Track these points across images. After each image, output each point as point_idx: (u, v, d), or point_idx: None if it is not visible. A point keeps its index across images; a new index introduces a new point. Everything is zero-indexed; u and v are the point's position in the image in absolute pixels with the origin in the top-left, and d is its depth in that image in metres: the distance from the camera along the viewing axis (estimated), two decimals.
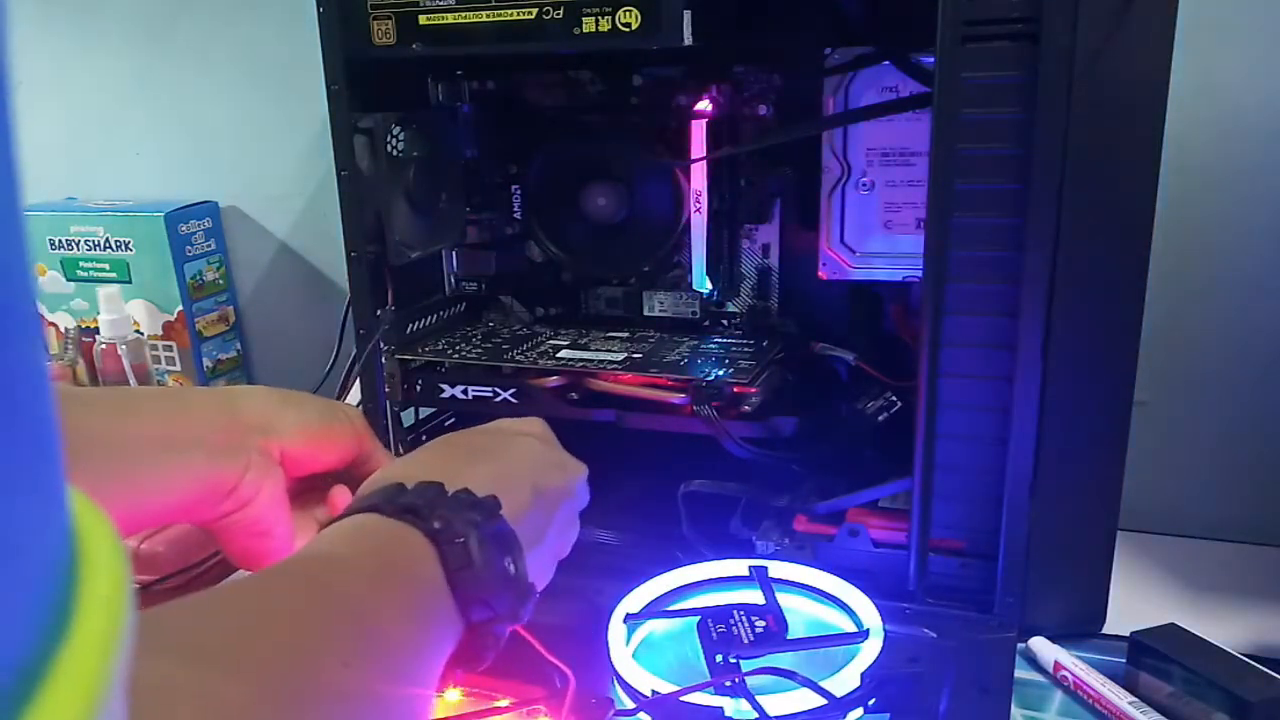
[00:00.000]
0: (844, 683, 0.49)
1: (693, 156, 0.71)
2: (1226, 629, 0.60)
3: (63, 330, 1.07)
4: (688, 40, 0.58)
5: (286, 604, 0.33)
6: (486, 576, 0.38)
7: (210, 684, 0.26)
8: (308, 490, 0.53)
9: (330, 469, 0.53)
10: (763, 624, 0.54)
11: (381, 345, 0.73)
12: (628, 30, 0.58)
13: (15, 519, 0.14)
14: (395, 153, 0.71)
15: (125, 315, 0.99)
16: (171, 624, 0.29)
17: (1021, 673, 0.59)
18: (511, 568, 0.40)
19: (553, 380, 0.69)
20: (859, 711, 0.50)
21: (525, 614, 0.41)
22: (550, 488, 0.47)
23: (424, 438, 0.78)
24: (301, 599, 0.34)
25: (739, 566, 0.60)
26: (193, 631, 0.29)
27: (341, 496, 0.52)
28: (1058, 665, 0.58)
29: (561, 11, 0.59)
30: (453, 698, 0.53)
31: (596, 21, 0.58)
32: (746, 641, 0.53)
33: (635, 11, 0.57)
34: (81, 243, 1.04)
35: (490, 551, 0.39)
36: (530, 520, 0.44)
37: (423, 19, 0.62)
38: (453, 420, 0.82)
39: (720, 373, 0.67)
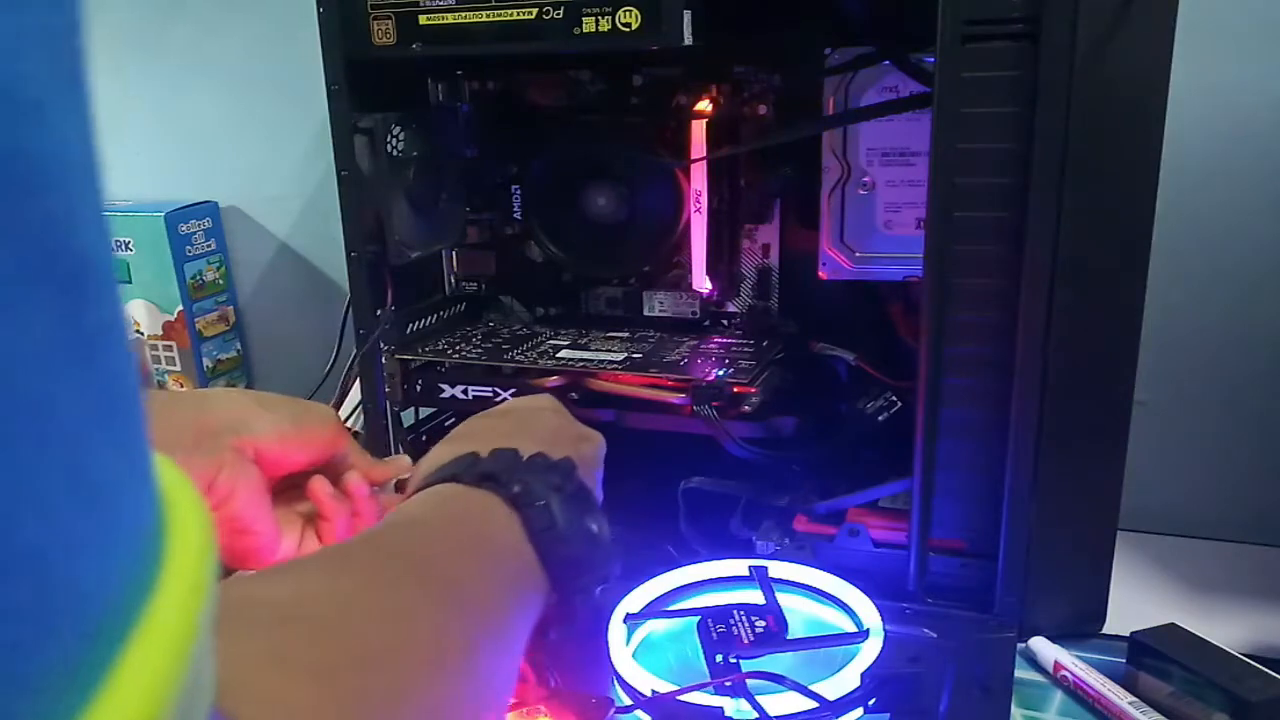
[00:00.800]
0: (844, 683, 0.49)
1: (693, 156, 0.71)
2: (1226, 629, 0.60)
3: None
4: (688, 40, 0.58)
5: (373, 571, 0.33)
6: (570, 536, 0.39)
7: (297, 648, 0.26)
8: (290, 488, 0.53)
9: (307, 467, 0.53)
10: (763, 624, 0.54)
11: (381, 345, 0.73)
12: (628, 30, 0.58)
13: (102, 467, 0.14)
14: (395, 153, 0.71)
15: (125, 315, 0.99)
16: (257, 593, 0.28)
17: (1021, 673, 0.59)
18: (594, 526, 0.40)
19: (553, 380, 0.69)
20: (859, 711, 0.50)
21: (611, 572, 0.41)
22: (584, 455, 0.48)
23: (424, 438, 0.78)
24: (387, 565, 0.34)
25: (739, 566, 0.60)
26: (280, 598, 0.29)
27: (320, 485, 0.53)
28: (1058, 665, 0.58)
29: (561, 11, 0.59)
30: None
31: (596, 21, 0.58)
32: (746, 641, 0.53)
33: (635, 11, 0.57)
34: None
35: (572, 512, 0.39)
36: None
37: (423, 19, 0.62)
38: (452, 420, 0.82)
39: (720, 373, 0.67)
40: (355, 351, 0.75)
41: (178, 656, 0.15)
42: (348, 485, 0.54)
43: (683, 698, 0.49)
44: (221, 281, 1.07)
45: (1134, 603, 0.65)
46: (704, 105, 0.72)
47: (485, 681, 0.33)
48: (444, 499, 0.40)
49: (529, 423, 0.50)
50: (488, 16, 0.61)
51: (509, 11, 0.60)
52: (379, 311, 0.72)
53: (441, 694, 0.31)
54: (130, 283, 1.03)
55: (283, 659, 0.26)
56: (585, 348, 0.73)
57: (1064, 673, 0.58)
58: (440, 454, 0.46)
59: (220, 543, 0.48)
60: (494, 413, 0.53)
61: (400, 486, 0.55)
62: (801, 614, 0.57)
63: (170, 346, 1.04)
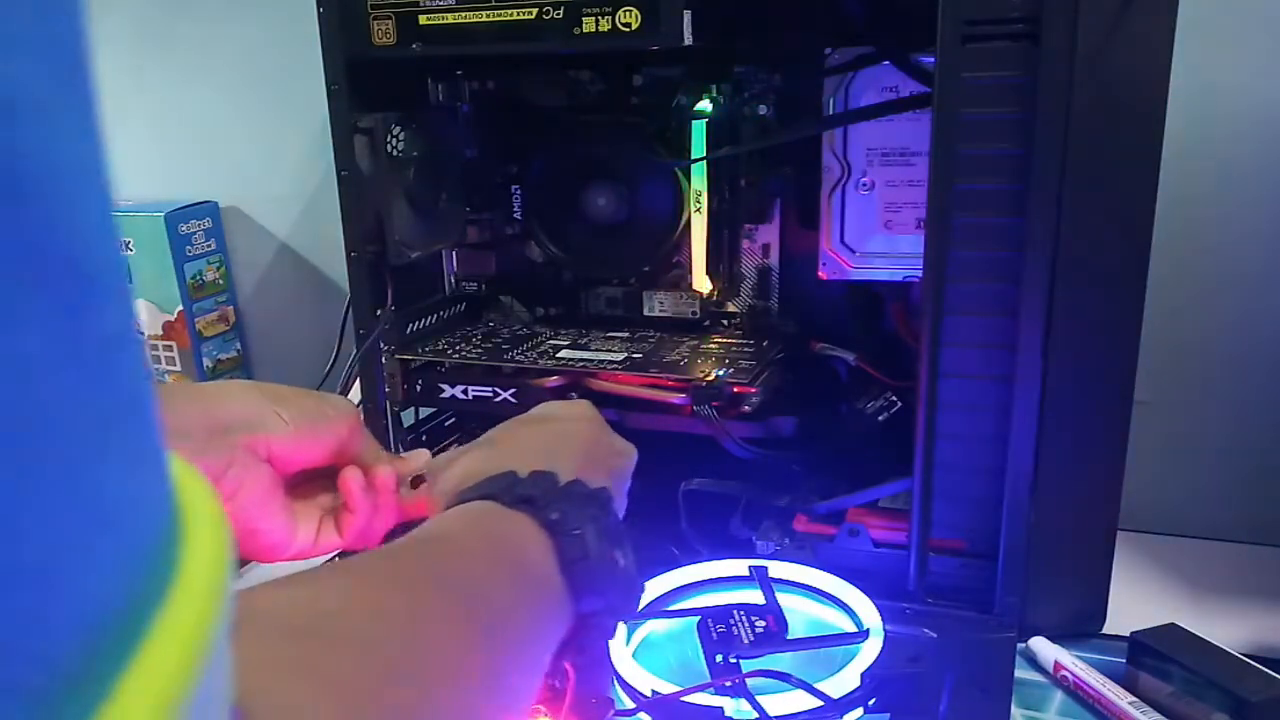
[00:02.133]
0: (844, 683, 0.49)
1: (693, 156, 0.71)
2: (1226, 629, 0.60)
3: None
4: (688, 40, 0.58)
5: (401, 585, 0.33)
6: (599, 569, 0.39)
7: (317, 657, 0.26)
8: (310, 480, 0.53)
9: (324, 463, 0.53)
10: (763, 624, 0.54)
11: (381, 345, 0.73)
12: (628, 30, 0.58)
13: (111, 478, 0.14)
14: (395, 153, 0.71)
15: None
16: (280, 601, 0.28)
17: (1021, 673, 0.59)
18: (622, 560, 0.40)
19: (553, 380, 0.69)
20: (859, 711, 0.50)
21: (634, 606, 0.41)
22: (616, 470, 0.48)
23: (424, 438, 0.78)
24: (416, 580, 0.34)
25: (739, 566, 0.60)
26: (303, 607, 0.28)
27: (354, 479, 0.52)
28: (1058, 665, 0.58)
29: (561, 11, 0.59)
30: None
31: (596, 21, 0.58)
32: (746, 641, 0.53)
33: (635, 11, 0.57)
34: None
35: (605, 544, 0.39)
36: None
37: (423, 19, 0.62)
38: (452, 420, 0.82)
39: (720, 373, 0.67)
40: (355, 351, 0.75)
41: (189, 665, 0.15)
42: (376, 479, 0.53)
43: (683, 698, 0.49)
44: (221, 281, 1.07)
45: (1134, 603, 0.65)
46: (704, 105, 0.72)
47: (507, 703, 0.33)
48: (478, 517, 0.39)
49: (568, 437, 0.49)
50: (488, 16, 0.61)
51: (509, 11, 0.60)
52: (379, 311, 0.72)
53: (462, 711, 0.31)
54: (130, 283, 1.03)
55: (304, 668, 0.25)
56: (585, 348, 0.73)
57: (1064, 673, 0.58)
58: (475, 464, 0.45)
59: None
60: (531, 418, 0.53)
61: (416, 482, 0.55)
62: (801, 614, 0.57)
63: (170, 346, 1.04)
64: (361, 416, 0.54)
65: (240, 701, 0.17)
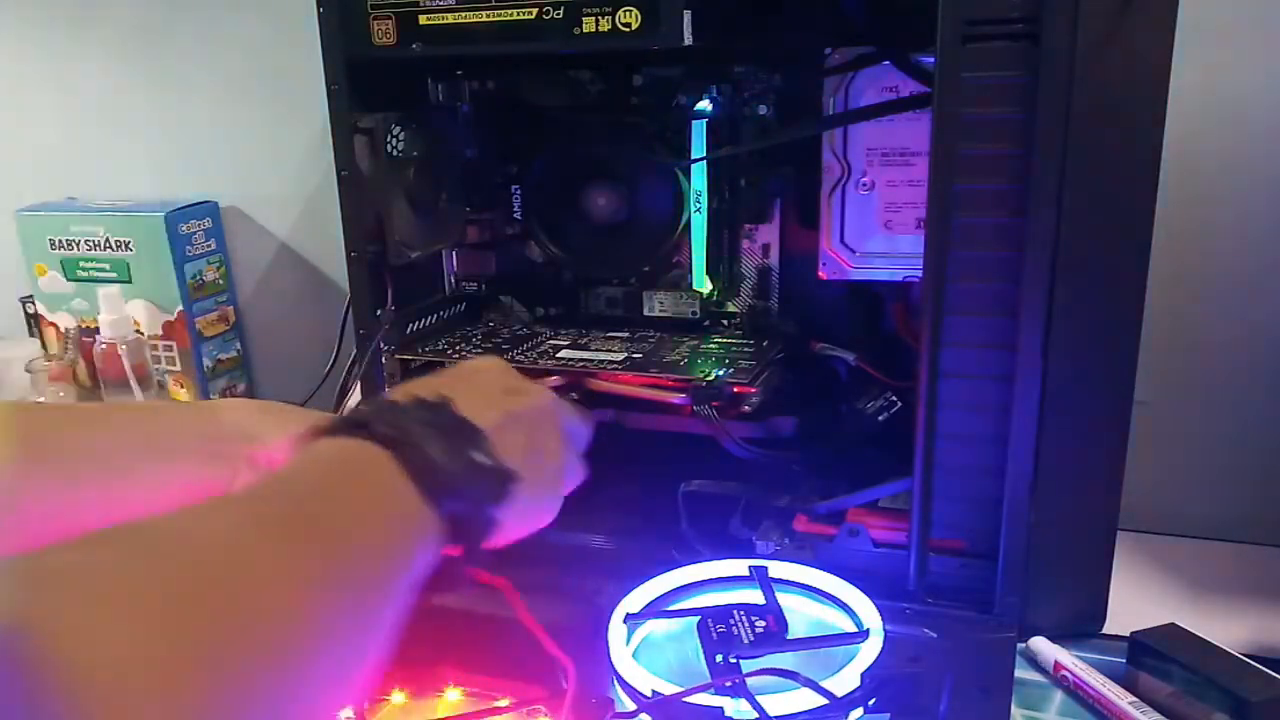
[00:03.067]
0: (844, 683, 0.49)
1: (693, 156, 0.71)
2: (1226, 629, 0.60)
3: (63, 330, 1.07)
4: (688, 40, 0.58)
5: (215, 507, 0.31)
6: (454, 468, 0.37)
7: (113, 574, 0.25)
8: None
9: None
10: (763, 624, 0.54)
11: (381, 345, 0.73)
12: (628, 30, 0.58)
13: None
14: (395, 153, 0.71)
15: (125, 315, 0.99)
16: (83, 559, 0.26)
17: (1021, 673, 0.59)
18: (480, 456, 0.39)
19: (553, 380, 0.68)
20: (859, 711, 0.50)
21: (508, 497, 0.39)
22: (518, 409, 0.45)
23: None
24: (230, 503, 0.32)
25: (739, 566, 0.60)
26: (111, 564, 0.26)
27: None
28: (1058, 665, 0.58)
29: (561, 11, 0.59)
30: (453, 698, 0.54)
31: (596, 21, 0.58)
32: (746, 641, 0.53)
33: (635, 11, 0.57)
34: (81, 243, 1.04)
35: (450, 442, 0.38)
36: (504, 440, 0.42)
37: (423, 19, 0.62)
38: None
39: (720, 373, 0.67)
40: (355, 351, 0.75)
41: None
42: None
43: (683, 698, 0.49)
44: (221, 281, 1.07)
45: (1134, 602, 0.65)
46: (704, 105, 0.72)
47: (353, 621, 0.31)
48: (309, 453, 0.38)
49: (462, 379, 0.47)
50: (488, 16, 0.61)
51: (509, 11, 0.60)
52: (379, 311, 0.72)
53: (292, 628, 0.29)
54: (130, 283, 1.03)
55: (105, 591, 0.24)
56: (585, 348, 0.73)
57: (1064, 673, 0.58)
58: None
59: None
60: (434, 374, 0.51)
61: None
62: (801, 614, 0.57)
63: (170, 346, 1.04)
64: None
65: (30, 598, 0.16)
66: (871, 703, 0.50)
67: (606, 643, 0.53)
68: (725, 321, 0.78)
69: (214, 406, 0.51)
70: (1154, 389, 0.68)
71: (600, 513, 0.74)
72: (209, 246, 1.05)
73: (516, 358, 0.71)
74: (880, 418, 0.67)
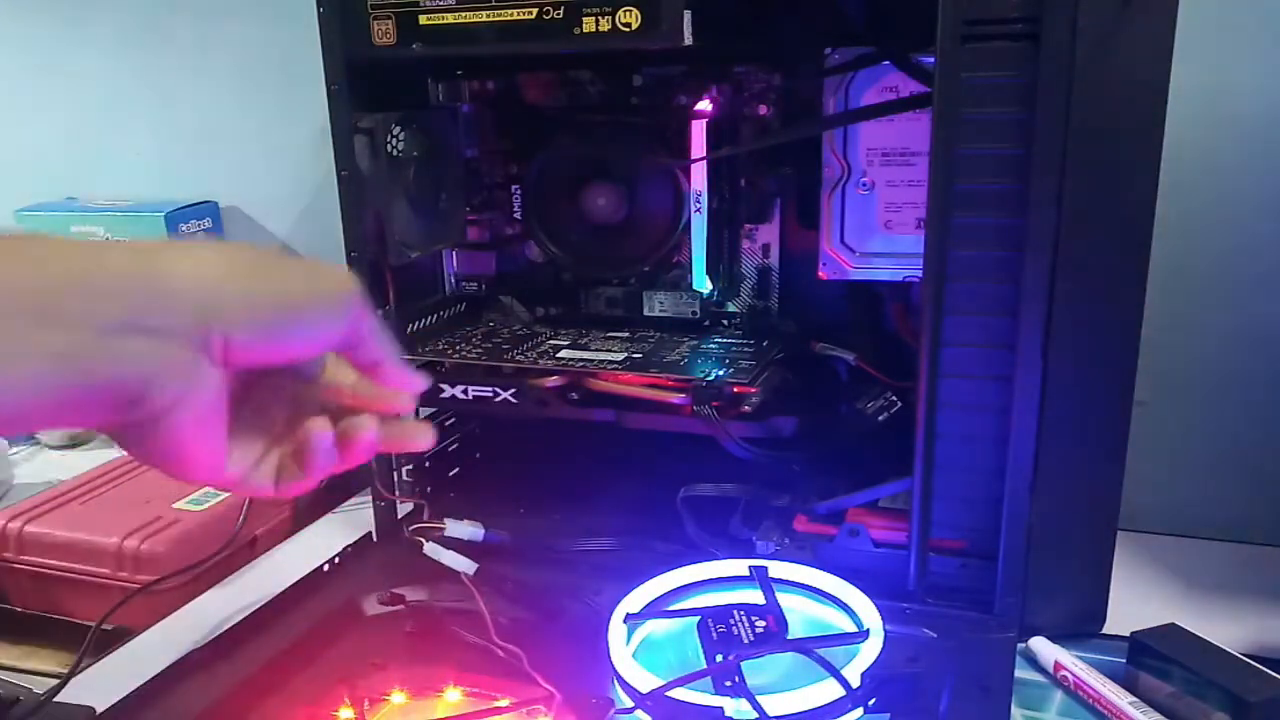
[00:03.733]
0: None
1: (693, 156, 0.71)
2: (1226, 629, 0.60)
3: None
4: (688, 40, 0.58)
5: None
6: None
7: None
8: (267, 378, 0.39)
9: (303, 359, 0.38)
10: (763, 624, 0.54)
11: None
12: (628, 30, 0.58)
13: None
14: (395, 153, 0.71)
15: None
16: None
17: (1021, 673, 0.59)
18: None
19: (553, 380, 0.68)
20: (859, 711, 0.50)
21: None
22: None
23: None
24: None
25: (739, 566, 0.60)
26: None
27: (320, 435, 0.38)
28: (1058, 665, 0.58)
29: (561, 11, 0.59)
30: (453, 698, 0.54)
31: (596, 21, 0.58)
32: (746, 641, 0.53)
33: (635, 11, 0.57)
34: None
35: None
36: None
37: (423, 19, 0.62)
38: (453, 420, 0.82)
39: (720, 373, 0.67)
40: None
41: None
42: (356, 436, 0.39)
43: (682, 697, 0.49)
44: None
45: (1134, 602, 0.65)
46: (704, 105, 0.72)
47: None
48: None
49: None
50: (488, 16, 0.61)
51: (509, 11, 0.60)
52: (379, 311, 0.72)
53: None
54: None
55: None
56: (585, 348, 0.73)
57: (1064, 673, 0.58)
58: None
59: (140, 452, 0.35)
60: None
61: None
62: (801, 614, 0.57)
63: None
64: (364, 301, 0.38)
65: None
66: (871, 703, 0.50)
67: (606, 643, 0.53)
68: (725, 321, 0.78)
69: (161, 256, 0.33)
70: (1153, 389, 0.68)
71: (600, 513, 0.75)
72: None
73: (516, 357, 0.71)
74: (880, 418, 0.67)
